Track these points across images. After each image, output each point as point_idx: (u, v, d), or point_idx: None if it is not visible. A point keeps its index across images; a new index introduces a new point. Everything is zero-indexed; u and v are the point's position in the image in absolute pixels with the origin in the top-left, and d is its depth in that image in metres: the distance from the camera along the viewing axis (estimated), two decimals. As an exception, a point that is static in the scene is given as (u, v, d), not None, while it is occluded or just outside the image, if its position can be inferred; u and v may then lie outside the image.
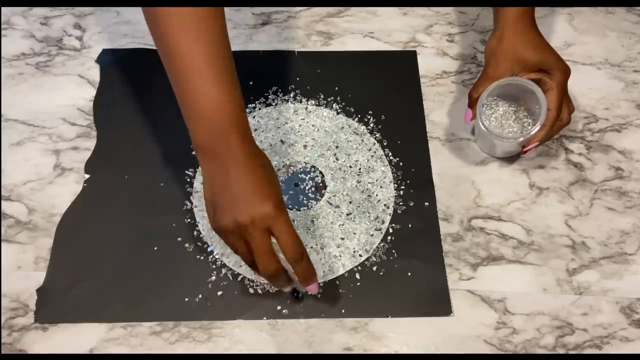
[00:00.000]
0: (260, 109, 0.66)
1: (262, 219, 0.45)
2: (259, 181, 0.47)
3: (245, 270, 0.57)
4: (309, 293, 0.54)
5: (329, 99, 0.67)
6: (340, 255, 0.58)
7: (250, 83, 0.67)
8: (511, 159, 0.64)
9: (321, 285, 0.56)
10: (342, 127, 0.65)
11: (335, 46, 0.71)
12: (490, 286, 0.57)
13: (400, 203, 0.61)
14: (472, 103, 0.60)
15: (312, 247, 0.58)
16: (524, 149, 0.59)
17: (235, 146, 0.47)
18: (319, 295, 0.55)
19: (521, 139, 0.58)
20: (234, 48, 0.69)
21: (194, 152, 0.62)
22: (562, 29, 0.73)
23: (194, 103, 0.47)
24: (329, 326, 0.55)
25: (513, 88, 0.59)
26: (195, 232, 0.59)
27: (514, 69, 0.58)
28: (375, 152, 0.64)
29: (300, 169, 0.63)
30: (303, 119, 0.66)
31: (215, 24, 0.48)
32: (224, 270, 0.57)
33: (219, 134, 0.47)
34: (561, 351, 0.54)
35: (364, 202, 0.61)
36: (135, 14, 0.73)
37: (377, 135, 0.65)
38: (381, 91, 0.68)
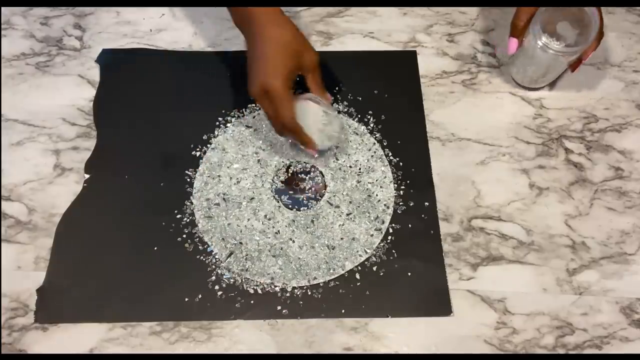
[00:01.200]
0: (260, 108, 0.66)
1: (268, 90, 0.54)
2: (273, 51, 0.54)
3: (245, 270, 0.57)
4: (313, 157, 0.62)
5: (329, 99, 0.67)
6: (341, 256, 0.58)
7: (250, 83, 0.67)
8: (511, 155, 0.64)
9: (321, 285, 0.56)
10: (342, 127, 0.65)
11: (335, 46, 0.71)
12: (490, 286, 0.57)
13: (400, 203, 0.61)
14: (519, 32, 0.62)
15: (312, 246, 0.58)
16: (581, 61, 0.61)
17: (261, 13, 0.55)
18: (319, 296, 0.56)
19: (574, 56, 0.60)
20: (234, 48, 0.69)
21: (193, 152, 0.63)
22: (562, 29, 0.73)
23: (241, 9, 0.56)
24: (329, 326, 0.55)
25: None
26: (195, 232, 0.59)
27: None
28: (375, 152, 0.64)
29: (300, 169, 0.63)
30: (303, 119, 0.66)
31: None
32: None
33: (249, 11, 0.55)
34: (561, 351, 0.54)
35: (364, 202, 0.61)
36: (136, 14, 0.73)
37: (377, 135, 0.65)
38: (381, 91, 0.68)
